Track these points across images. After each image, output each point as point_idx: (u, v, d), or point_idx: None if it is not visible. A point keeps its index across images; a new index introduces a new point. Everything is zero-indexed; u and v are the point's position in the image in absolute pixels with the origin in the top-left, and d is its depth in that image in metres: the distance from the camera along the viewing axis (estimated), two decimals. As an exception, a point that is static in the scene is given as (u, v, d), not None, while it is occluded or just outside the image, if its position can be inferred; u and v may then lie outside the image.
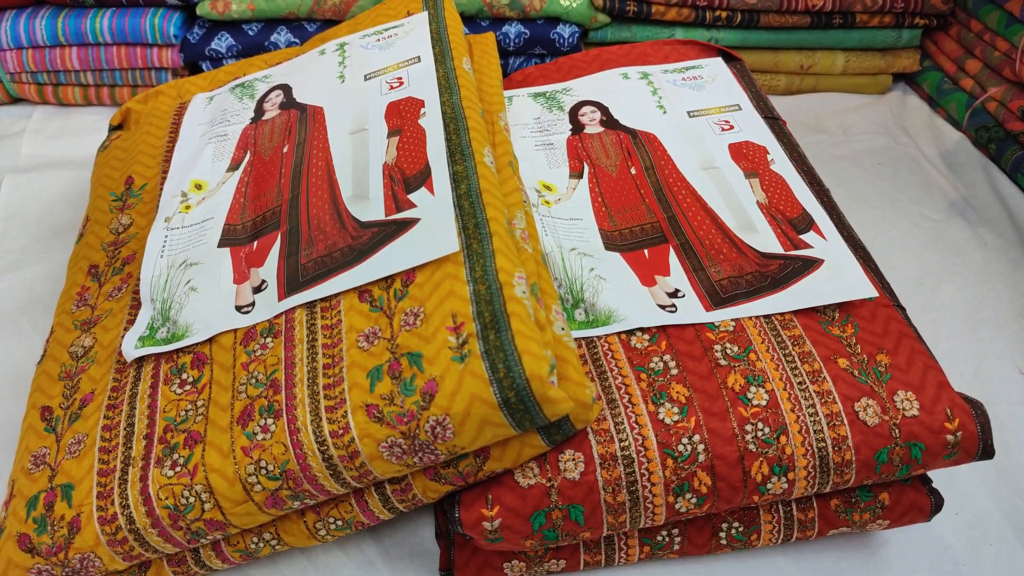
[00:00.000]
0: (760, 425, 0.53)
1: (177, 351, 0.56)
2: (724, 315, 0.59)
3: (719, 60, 0.83)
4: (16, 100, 1.03)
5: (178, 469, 0.49)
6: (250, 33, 0.99)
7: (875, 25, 1.06)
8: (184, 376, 0.54)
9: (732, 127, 0.75)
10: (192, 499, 0.49)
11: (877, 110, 1.10)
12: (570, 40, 1.00)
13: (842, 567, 0.61)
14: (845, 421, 0.54)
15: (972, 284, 0.86)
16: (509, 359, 0.47)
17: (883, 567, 0.61)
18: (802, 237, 0.64)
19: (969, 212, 0.95)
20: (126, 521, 0.49)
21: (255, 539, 0.53)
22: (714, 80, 0.80)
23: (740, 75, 0.81)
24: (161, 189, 0.70)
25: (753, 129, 0.74)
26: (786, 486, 0.53)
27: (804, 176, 0.70)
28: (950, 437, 0.54)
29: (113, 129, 0.82)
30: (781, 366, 0.56)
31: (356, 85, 0.71)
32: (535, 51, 1.02)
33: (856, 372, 0.56)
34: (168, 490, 0.49)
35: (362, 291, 0.54)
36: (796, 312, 0.59)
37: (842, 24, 1.05)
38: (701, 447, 0.52)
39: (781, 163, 0.71)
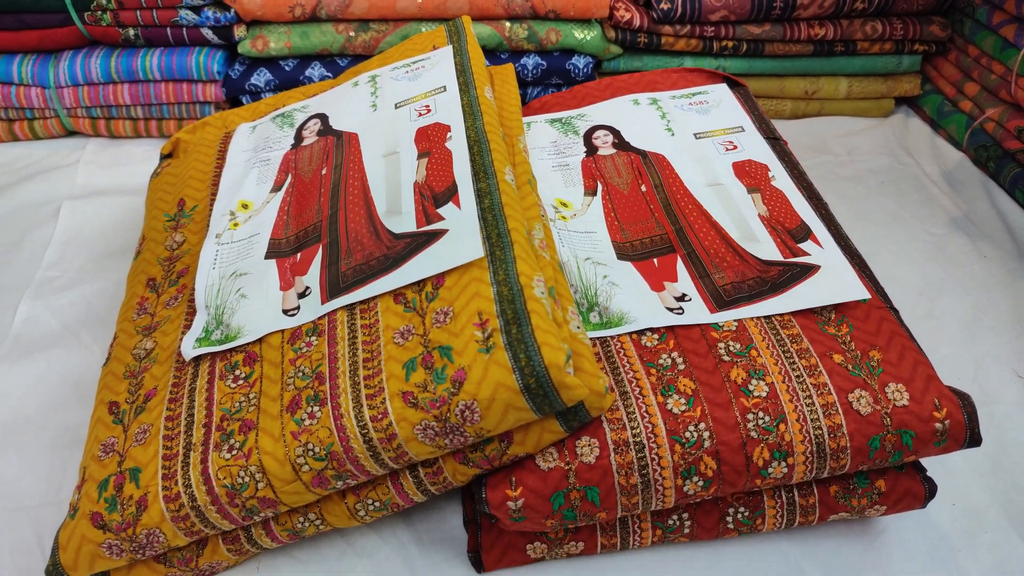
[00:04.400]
0: (761, 414, 0.58)
1: (230, 351, 0.62)
2: (727, 316, 0.64)
3: (724, 86, 0.89)
4: (71, 133, 1.12)
5: (234, 452, 0.55)
6: (286, 68, 1.07)
7: (876, 52, 1.12)
8: (237, 372, 0.60)
9: (736, 147, 0.80)
10: (247, 479, 0.54)
11: (880, 132, 1.15)
12: (584, 70, 1.07)
13: (844, 552, 0.65)
14: (840, 410, 0.58)
15: (972, 294, 0.90)
16: (530, 350, 0.52)
17: (883, 552, 0.65)
18: (800, 246, 0.69)
19: (969, 227, 0.99)
20: (188, 499, 0.55)
21: (301, 519, 0.59)
22: (719, 104, 0.86)
23: (743, 100, 0.87)
24: (211, 210, 0.77)
25: (755, 148, 0.80)
26: (786, 470, 0.58)
27: (803, 191, 0.75)
28: (939, 425, 0.58)
29: (164, 157, 0.89)
30: (780, 361, 0.61)
31: (387, 113, 0.78)
32: (552, 81, 1.08)
33: (850, 366, 0.61)
34: (226, 471, 0.55)
35: (397, 294, 0.60)
36: (794, 313, 0.64)
37: (844, 51, 1.11)
38: (707, 434, 0.57)
39: (781, 179, 0.76)
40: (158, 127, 1.09)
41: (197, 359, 0.63)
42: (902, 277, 0.92)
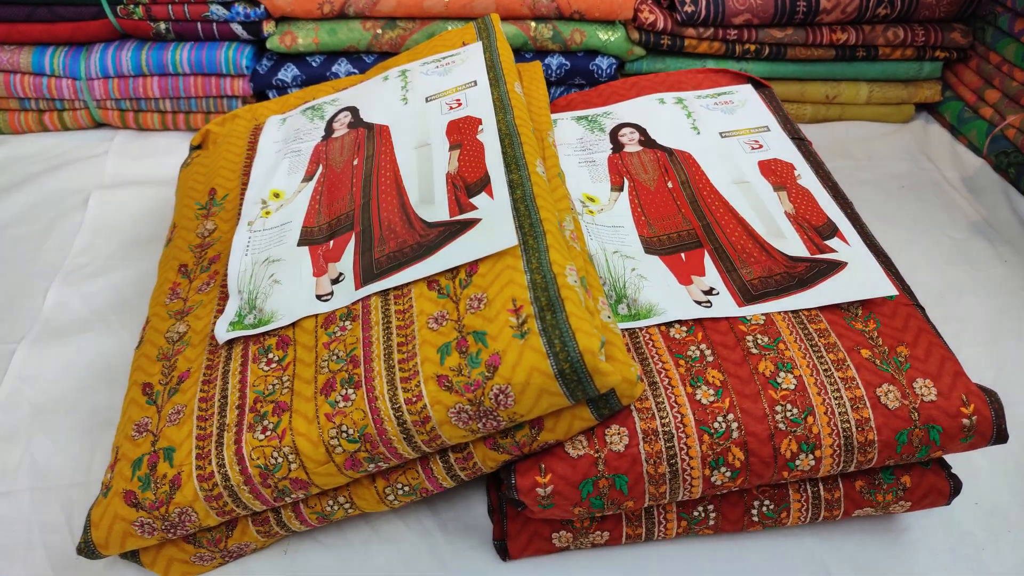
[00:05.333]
0: (789, 406, 0.58)
1: (264, 334, 0.63)
2: (755, 310, 0.64)
3: (749, 87, 0.89)
4: (100, 125, 1.13)
5: (268, 433, 0.56)
6: (313, 64, 1.08)
7: (897, 58, 1.12)
8: (271, 356, 0.61)
9: (761, 146, 0.81)
10: (280, 459, 0.55)
11: (901, 137, 1.15)
12: (608, 71, 1.07)
13: (868, 548, 0.65)
14: (868, 404, 0.59)
15: (993, 297, 0.90)
16: (564, 335, 0.53)
17: (907, 549, 0.65)
18: (827, 243, 0.70)
19: (990, 232, 1.00)
20: (222, 479, 0.55)
21: (331, 502, 0.59)
22: (744, 105, 0.87)
23: (768, 100, 0.88)
24: (242, 199, 0.78)
25: (781, 148, 0.80)
26: (813, 463, 0.58)
27: (829, 190, 0.76)
28: (966, 421, 0.59)
29: (194, 149, 0.90)
30: (808, 355, 0.61)
31: (418, 106, 0.79)
32: (575, 81, 1.09)
33: (878, 361, 0.61)
34: (260, 451, 0.55)
35: (430, 281, 0.61)
36: (821, 308, 0.65)
37: (865, 57, 1.11)
38: (735, 425, 0.58)
39: (807, 178, 0.77)
40: (185, 120, 1.10)
41: (230, 343, 0.63)
42: (923, 280, 0.92)
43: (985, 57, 1.14)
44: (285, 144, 0.82)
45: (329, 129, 0.82)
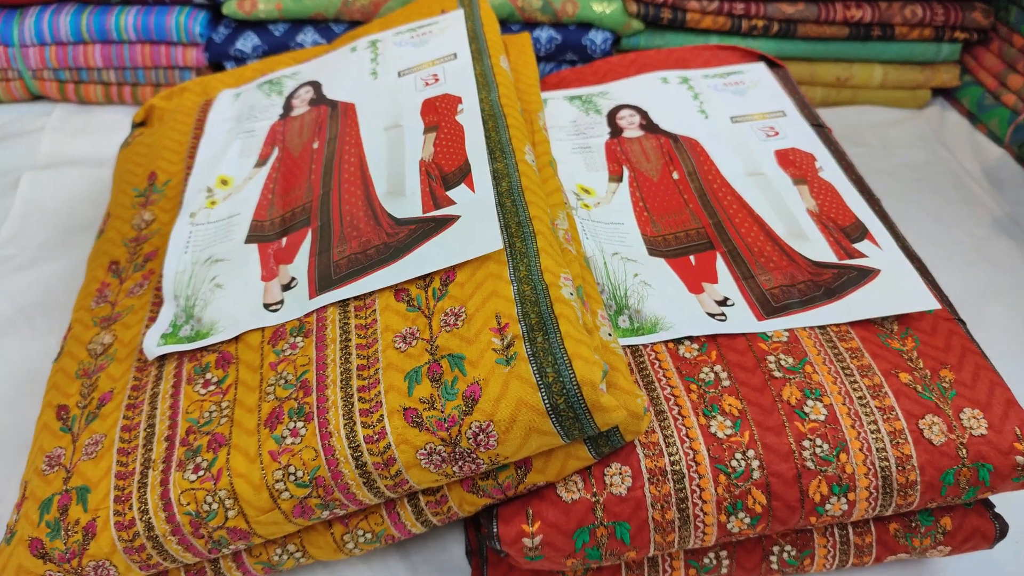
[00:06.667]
0: (818, 441, 0.50)
1: (201, 350, 0.53)
2: (777, 325, 0.56)
3: (761, 65, 0.80)
4: (37, 97, 1.02)
5: (201, 473, 0.46)
6: (276, 33, 0.97)
7: (914, 38, 1.04)
8: (208, 376, 0.52)
9: (777, 133, 0.72)
10: (215, 505, 0.46)
11: (916, 125, 1.07)
12: (603, 47, 0.98)
13: (897, 595, 0.57)
14: (909, 439, 0.50)
15: (1020, 302, 0.82)
16: (559, 363, 0.44)
17: (941, 596, 0.58)
18: (856, 246, 0.61)
19: (1014, 229, 0.92)
20: (144, 527, 0.46)
21: (279, 551, 0.50)
22: (756, 86, 0.78)
23: (784, 81, 0.79)
24: (185, 185, 0.67)
25: (799, 136, 0.72)
26: (846, 507, 0.50)
27: (855, 184, 0.67)
28: (1020, 458, 0.51)
29: (136, 126, 0.80)
30: (839, 379, 0.53)
31: (389, 81, 0.69)
32: (566, 57, 0.99)
33: (919, 388, 0.53)
34: (190, 495, 0.46)
35: (398, 290, 0.51)
36: (852, 324, 0.56)
37: (881, 36, 1.03)
38: (756, 463, 0.49)
39: (830, 170, 0.68)
40: (132, 93, 0.99)
41: (162, 359, 0.54)
42: (943, 282, 0.83)
43: (1008, 40, 1.05)
44: (237, 123, 0.72)
45: (288, 106, 0.72)
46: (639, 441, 0.49)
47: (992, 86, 1.07)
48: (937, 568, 0.59)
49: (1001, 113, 1.03)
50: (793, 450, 0.50)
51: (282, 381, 0.49)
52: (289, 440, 0.46)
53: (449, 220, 0.53)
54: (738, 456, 0.49)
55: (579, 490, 0.49)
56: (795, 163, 0.69)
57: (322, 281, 0.53)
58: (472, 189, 0.54)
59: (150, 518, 0.46)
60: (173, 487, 0.46)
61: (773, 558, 0.54)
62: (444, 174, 0.57)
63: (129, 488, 0.47)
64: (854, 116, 1.07)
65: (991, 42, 1.08)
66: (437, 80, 0.66)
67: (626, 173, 0.68)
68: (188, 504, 0.46)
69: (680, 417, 0.51)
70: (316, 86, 0.72)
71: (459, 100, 0.63)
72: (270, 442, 0.46)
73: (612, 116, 0.75)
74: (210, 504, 0.46)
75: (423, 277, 0.51)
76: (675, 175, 0.68)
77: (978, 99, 1.07)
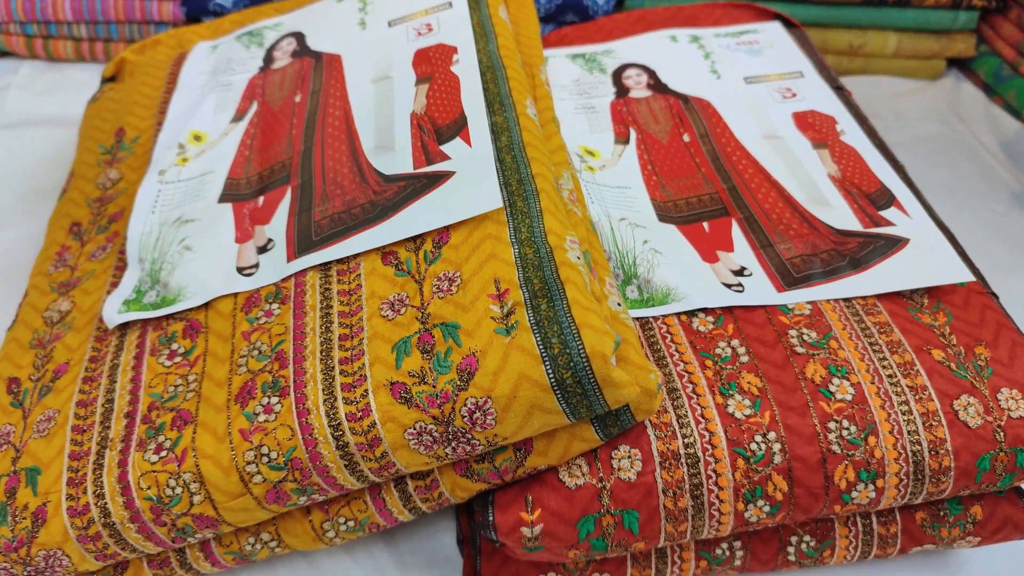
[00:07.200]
0: (845, 423, 0.46)
1: (167, 318, 0.48)
2: (798, 296, 0.51)
3: (777, 24, 0.75)
4: (3, 54, 0.96)
5: (164, 454, 0.42)
6: (259, -12, 0.91)
7: (931, 5, 0.99)
8: (174, 346, 0.47)
9: (795, 94, 0.67)
10: (179, 490, 0.41)
11: (930, 96, 1.02)
12: (605, 6, 0.93)
13: (921, 588, 0.53)
14: (943, 421, 0.46)
15: (1042, 281, 0.78)
16: (565, 332, 0.39)
17: (967, 589, 0.54)
18: (882, 214, 0.56)
19: (1034, 205, 0.88)
20: (100, 514, 0.41)
21: (251, 539, 0.45)
22: (772, 45, 0.73)
23: (801, 42, 0.74)
24: (155, 142, 0.62)
25: (818, 98, 0.67)
26: (873, 495, 0.46)
27: (879, 149, 0.62)
28: (1062, 443, 0.46)
29: (106, 81, 0.75)
30: (867, 356, 0.48)
31: (379, 32, 0.63)
32: (566, 18, 0.94)
33: (953, 365, 0.48)
34: (151, 478, 0.41)
35: (386, 252, 0.46)
36: (879, 296, 0.52)
37: (896, 2, 0.98)
38: (777, 447, 0.45)
39: (853, 134, 0.63)
40: (104, 50, 0.93)
41: (124, 328, 0.49)
42: (961, 259, 0.80)
43: (1028, 7, 1.00)
44: (214, 76, 0.66)
45: (268, 59, 0.66)
46: (650, 422, 0.45)
47: (1010, 56, 1.02)
48: (961, 560, 0.55)
49: (1019, 85, 0.99)
50: (818, 432, 0.45)
51: (255, 352, 0.44)
52: (262, 417, 0.41)
53: (443, 176, 0.48)
54: (758, 439, 0.45)
55: (584, 475, 0.44)
56: (814, 126, 0.64)
57: (302, 243, 0.48)
58: (468, 143, 0.49)
59: (106, 503, 0.41)
60: (132, 469, 0.42)
61: (791, 549, 0.50)
62: (437, 127, 0.51)
63: (84, 470, 0.42)
64: (866, 86, 1.02)
65: (1010, 10, 1.03)
66: (430, 30, 0.61)
67: (633, 135, 0.64)
68: (149, 488, 0.41)
69: (695, 396, 0.46)
70: (299, 37, 0.67)
71: (454, 50, 0.57)
72: (241, 419, 0.41)
73: (618, 75, 0.70)
74: (173, 488, 0.41)
75: (413, 239, 0.46)
76: (686, 137, 0.63)
77: (995, 70, 1.03)
